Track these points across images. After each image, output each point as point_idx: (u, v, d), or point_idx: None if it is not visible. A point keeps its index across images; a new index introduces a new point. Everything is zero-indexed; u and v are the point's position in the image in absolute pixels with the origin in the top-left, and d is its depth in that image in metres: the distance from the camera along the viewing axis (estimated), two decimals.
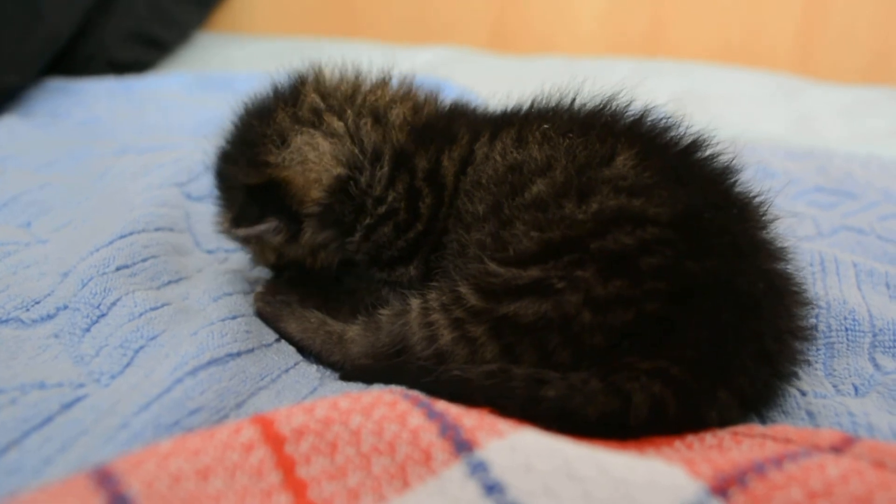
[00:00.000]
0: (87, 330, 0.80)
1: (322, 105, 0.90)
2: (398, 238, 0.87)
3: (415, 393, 0.65)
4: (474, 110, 0.96)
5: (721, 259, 0.69)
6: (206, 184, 1.23)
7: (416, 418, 0.56)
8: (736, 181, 0.79)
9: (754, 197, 0.79)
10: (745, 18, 2.57)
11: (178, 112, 1.77)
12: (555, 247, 0.71)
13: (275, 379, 0.77)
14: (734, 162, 0.80)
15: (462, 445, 0.53)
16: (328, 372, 0.83)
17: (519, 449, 0.52)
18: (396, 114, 0.90)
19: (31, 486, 0.55)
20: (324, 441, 0.55)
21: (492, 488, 0.50)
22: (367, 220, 0.87)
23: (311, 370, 0.81)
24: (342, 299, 0.92)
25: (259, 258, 0.97)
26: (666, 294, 0.67)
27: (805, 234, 1.24)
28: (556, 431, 0.62)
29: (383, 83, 0.96)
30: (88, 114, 1.77)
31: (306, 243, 0.91)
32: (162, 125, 1.70)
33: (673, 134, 0.80)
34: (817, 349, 0.86)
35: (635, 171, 0.74)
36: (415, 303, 0.77)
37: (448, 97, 0.99)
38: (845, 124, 2.05)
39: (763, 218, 0.78)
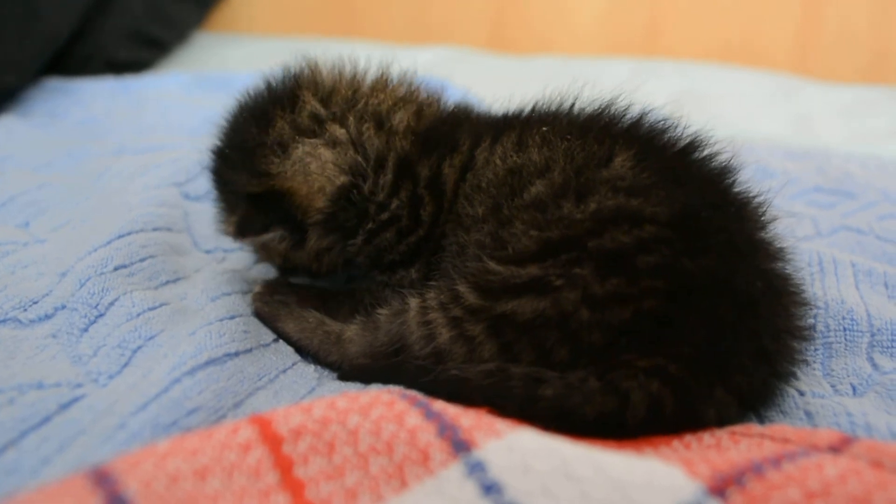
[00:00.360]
0: (85, 330, 0.80)
1: (322, 112, 0.89)
2: (400, 242, 0.87)
3: (413, 392, 0.65)
4: (477, 114, 0.96)
5: (718, 258, 0.69)
6: (205, 184, 1.22)
7: (414, 418, 0.56)
8: (734, 181, 0.79)
9: (753, 197, 0.79)
10: (744, 19, 2.57)
11: (177, 112, 1.77)
12: (553, 245, 0.71)
13: (273, 379, 0.77)
14: (732, 162, 0.80)
15: (460, 445, 0.53)
16: (326, 372, 0.83)
17: (517, 449, 0.52)
18: (400, 119, 0.90)
19: (28, 486, 0.55)
20: (321, 441, 0.55)
21: (490, 488, 0.50)
22: (370, 225, 0.87)
23: (309, 370, 0.81)
24: (340, 299, 0.92)
25: (264, 258, 0.97)
26: (663, 292, 0.67)
27: (804, 233, 1.24)
28: (555, 431, 0.63)
29: (384, 83, 0.95)
30: (87, 114, 1.77)
31: (311, 249, 0.91)
32: (160, 125, 1.70)
33: (671, 135, 0.81)
34: (815, 349, 0.86)
35: (633, 171, 0.74)
36: (413, 302, 0.77)
37: (450, 98, 0.99)
38: (844, 124, 2.05)
39: (762, 218, 0.78)
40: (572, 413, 0.65)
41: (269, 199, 0.88)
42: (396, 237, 0.87)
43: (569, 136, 0.80)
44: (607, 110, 0.84)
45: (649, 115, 0.83)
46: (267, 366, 0.78)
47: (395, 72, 0.97)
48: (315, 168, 0.87)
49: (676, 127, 0.81)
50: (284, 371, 0.79)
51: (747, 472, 0.51)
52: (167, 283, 0.94)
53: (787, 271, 0.76)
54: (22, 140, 1.52)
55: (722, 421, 0.68)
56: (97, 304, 0.83)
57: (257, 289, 0.92)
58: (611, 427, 0.65)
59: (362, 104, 0.91)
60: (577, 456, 0.51)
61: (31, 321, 0.82)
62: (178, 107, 1.81)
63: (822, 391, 0.79)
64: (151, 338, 0.79)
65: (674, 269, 0.68)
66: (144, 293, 0.87)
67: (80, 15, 2.00)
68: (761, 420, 0.74)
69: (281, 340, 0.86)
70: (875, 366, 0.84)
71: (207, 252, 1.08)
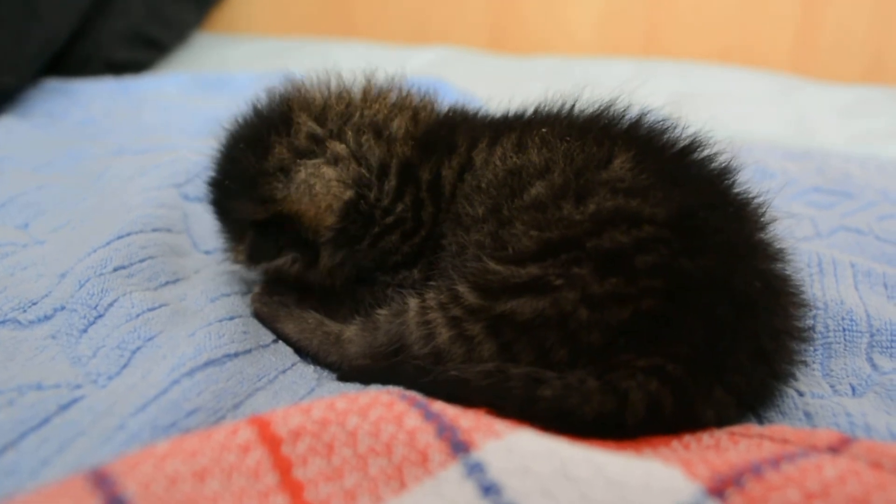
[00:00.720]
0: (85, 331, 0.80)
1: (319, 131, 0.89)
2: (403, 244, 0.88)
3: (412, 393, 0.65)
4: (473, 115, 0.96)
5: (717, 257, 0.69)
6: (204, 185, 1.23)
7: (413, 419, 0.56)
8: (733, 182, 0.79)
9: (752, 197, 0.79)
10: (744, 20, 2.57)
11: (176, 113, 1.77)
12: (553, 246, 0.72)
13: (272, 380, 0.77)
14: (732, 163, 0.80)
15: (459, 446, 0.53)
16: (325, 373, 0.83)
17: (516, 450, 0.52)
18: (398, 125, 0.90)
19: (27, 487, 0.55)
20: (320, 442, 0.55)
21: (488, 489, 0.50)
22: (375, 229, 0.88)
23: (309, 371, 0.81)
24: (339, 300, 0.92)
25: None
26: (662, 292, 0.68)
27: (803, 234, 1.24)
28: (554, 431, 0.63)
29: (373, 91, 0.95)
30: (86, 114, 1.77)
31: (324, 267, 0.90)
32: (159, 126, 1.70)
33: (670, 136, 0.81)
34: (815, 349, 0.87)
35: (632, 173, 0.75)
36: (412, 302, 0.77)
37: (444, 101, 0.99)
38: (844, 125, 2.05)
39: (761, 219, 0.78)
40: (571, 413, 0.65)
41: (276, 223, 0.88)
42: (401, 239, 0.87)
43: (568, 138, 0.80)
44: (606, 112, 0.85)
45: (648, 116, 0.83)
46: (266, 367, 0.78)
47: (380, 78, 0.97)
48: (320, 188, 0.86)
49: (675, 128, 0.81)
50: (284, 372, 0.79)
51: (746, 473, 0.51)
52: (166, 284, 0.94)
53: (787, 272, 0.76)
54: (21, 141, 1.52)
55: (721, 421, 0.68)
56: (96, 305, 0.83)
57: (256, 290, 0.92)
58: (610, 427, 0.66)
59: (357, 116, 0.91)
60: (576, 457, 0.51)
61: (31, 322, 0.82)
62: (178, 107, 1.81)
63: (822, 391, 0.79)
64: (151, 339, 0.79)
65: (672, 269, 0.68)
66: (144, 294, 0.87)
67: (79, 16, 2.00)
68: (760, 420, 0.74)
69: (280, 341, 0.86)
70: (874, 366, 0.84)
71: (207, 253, 1.08)
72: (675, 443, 0.65)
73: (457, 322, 0.73)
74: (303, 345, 0.85)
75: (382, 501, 0.52)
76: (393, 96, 0.95)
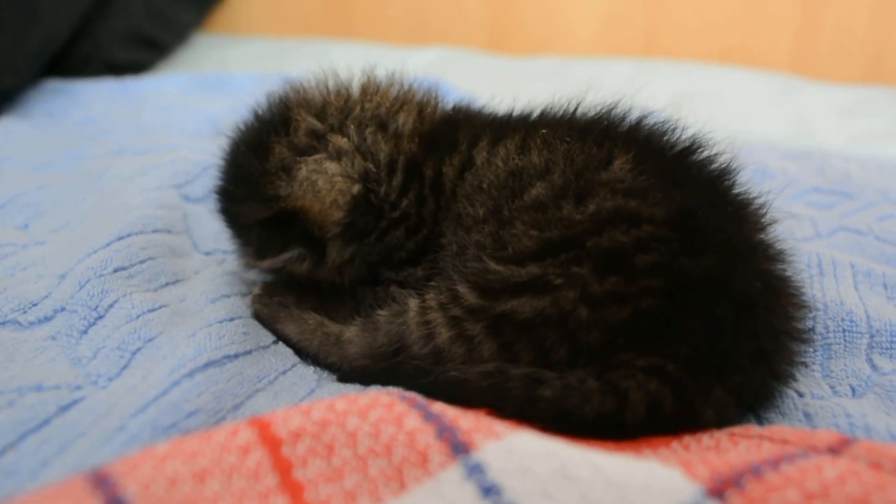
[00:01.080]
0: (85, 332, 0.80)
1: (319, 126, 0.89)
2: (408, 240, 0.88)
3: (412, 394, 0.65)
4: (477, 113, 0.97)
5: (717, 257, 0.69)
6: (204, 185, 1.23)
7: (413, 420, 0.56)
8: (733, 182, 0.79)
9: (752, 198, 0.79)
10: (743, 21, 2.56)
11: (176, 113, 1.77)
12: (553, 245, 0.72)
13: (272, 381, 0.77)
14: (732, 163, 0.80)
15: (459, 447, 0.53)
16: (325, 374, 0.83)
17: (516, 451, 0.52)
18: (404, 121, 0.90)
19: (27, 488, 0.55)
20: (321, 443, 0.55)
21: (489, 490, 0.50)
22: (383, 223, 0.88)
23: (309, 372, 0.81)
24: (339, 301, 0.92)
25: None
26: (661, 291, 0.68)
27: (803, 234, 1.24)
28: (554, 431, 0.63)
29: (372, 87, 0.95)
30: (86, 115, 1.77)
31: (333, 264, 0.90)
32: (159, 126, 1.70)
33: (670, 137, 0.81)
34: (814, 350, 0.86)
35: (632, 174, 0.75)
36: (413, 303, 0.78)
37: (448, 97, 0.99)
38: (844, 125, 2.05)
39: (761, 219, 0.78)
40: (571, 413, 0.65)
41: (282, 220, 0.88)
42: (405, 235, 0.88)
43: (568, 139, 0.80)
44: (607, 113, 0.85)
45: (648, 117, 0.83)
46: (266, 368, 0.78)
47: (380, 74, 0.97)
48: (323, 183, 0.87)
49: (675, 129, 0.81)
50: (284, 373, 0.79)
51: (746, 474, 0.51)
52: (166, 284, 0.94)
53: (787, 273, 0.76)
54: (21, 141, 1.52)
55: (721, 421, 0.68)
56: (96, 306, 0.83)
57: (256, 291, 0.92)
58: (610, 427, 0.66)
59: (358, 110, 0.91)
60: (576, 458, 0.51)
61: (31, 323, 0.82)
62: (178, 108, 1.81)
63: (822, 392, 0.79)
64: (151, 340, 0.79)
65: (672, 269, 0.68)
66: (144, 295, 0.87)
67: (79, 16, 2.00)
68: (760, 421, 0.74)
69: (280, 342, 0.86)
70: (874, 367, 0.84)
71: (207, 254, 1.08)
72: (674, 443, 0.65)
73: (457, 322, 0.73)
74: (303, 346, 0.85)
75: (382, 502, 0.52)
76: (394, 91, 0.95)
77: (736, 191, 0.79)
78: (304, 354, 0.85)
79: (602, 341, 0.68)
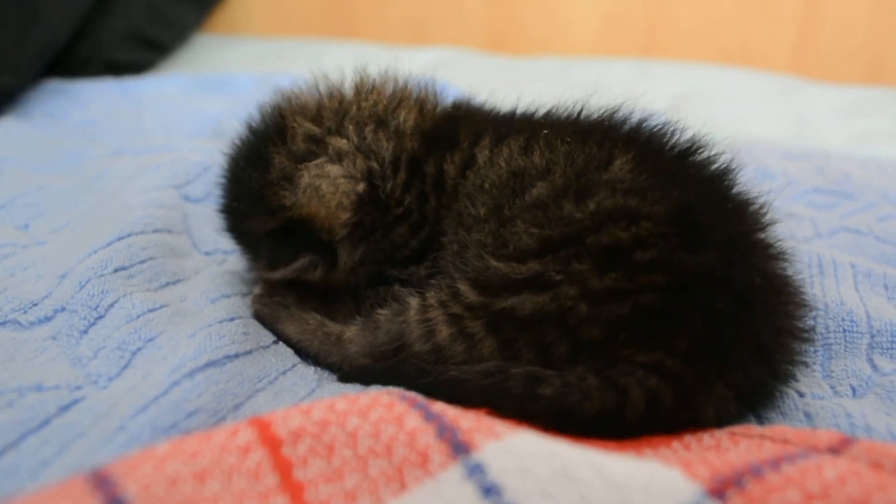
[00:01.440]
0: (85, 332, 0.80)
1: (317, 130, 0.89)
2: (412, 238, 0.88)
3: (412, 394, 0.65)
4: (478, 109, 0.97)
5: (716, 253, 0.69)
6: (204, 186, 1.23)
7: (414, 420, 0.56)
8: (733, 182, 0.79)
9: (752, 198, 0.79)
10: (744, 22, 2.56)
11: (176, 113, 1.77)
12: (554, 242, 0.72)
13: (272, 381, 0.77)
14: (731, 163, 0.80)
15: (459, 447, 0.53)
16: (326, 373, 0.83)
17: (516, 451, 0.52)
18: (405, 118, 0.90)
19: (27, 488, 0.55)
20: (321, 443, 0.55)
21: (489, 490, 0.50)
22: (388, 219, 0.88)
23: (309, 372, 0.81)
24: (340, 301, 0.92)
25: None
26: (661, 287, 0.68)
27: (803, 235, 1.24)
28: (555, 430, 0.63)
29: (370, 86, 0.95)
30: (86, 115, 1.77)
31: (345, 266, 0.90)
32: (160, 127, 1.70)
33: (670, 138, 0.81)
34: (815, 350, 0.86)
35: (632, 174, 0.75)
36: (413, 301, 0.78)
37: (448, 95, 0.99)
38: (844, 125, 2.05)
39: (761, 219, 0.78)
40: (572, 411, 0.65)
41: (290, 230, 0.88)
42: (409, 232, 0.88)
43: (569, 140, 0.81)
44: (608, 115, 0.85)
45: (649, 118, 0.83)
46: (267, 368, 0.78)
47: (373, 73, 0.96)
48: (327, 188, 0.87)
49: (675, 131, 0.82)
50: (284, 373, 0.79)
51: (746, 474, 0.51)
52: (167, 284, 0.94)
53: (787, 272, 0.76)
54: (21, 141, 1.52)
55: (721, 418, 0.68)
56: (97, 306, 0.83)
57: (257, 291, 0.92)
58: (610, 424, 0.66)
59: (354, 110, 0.91)
60: (577, 458, 0.51)
61: (31, 323, 0.82)
62: (178, 108, 1.81)
63: (822, 392, 0.79)
64: (151, 340, 0.79)
65: (671, 265, 0.68)
66: (144, 295, 0.87)
67: (79, 16, 2.00)
68: (761, 421, 0.74)
69: (280, 342, 0.86)
70: (875, 367, 0.84)
71: (207, 254, 1.08)
72: (675, 443, 0.65)
73: (457, 319, 0.73)
74: (303, 346, 0.85)
75: (383, 502, 0.52)
76: (388, 88, 0.95)
77: (735, 190, 0.79)
78: (305, 354, 0.85)
79: (602, 337, 0.68)
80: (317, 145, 0.89)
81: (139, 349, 0.78)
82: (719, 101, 2.13)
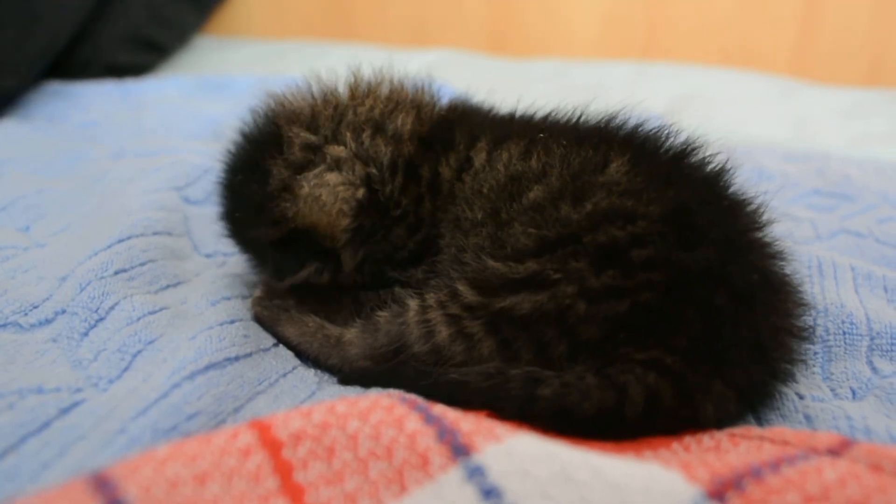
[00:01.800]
0: (86, 334, 0.80)
1: (313, 139, 0.89)
2: (409, 239, 0.88)
3: (412, 397, 0.65)
4: (474, 110, 0.97)
5: (713, 250, 0.70)
6: (204, 188, 1.23)
7: (414, 422, 0.56)
8: (729, 183, 0.80)
9: (749, 198, 0.79)
10: (743, 23, 2.56)
11: (177, 115, 1.77)
12: (551, 243, 0.72)
13: (273, 383, 0.77)
14: (728, 165, 0.80)
15: (459, 450, 0.53)
16: (326, 376, 0.83)
17: (516, 453, 0.52)
18: (402, 122, 0.90)
19: (28, 491, 0.55)
20: (321, 446, 0.55)
21: (489, 493, 0.50)
22: (386, 221, 0.89)
23: (309, 374, 0.81)
24: (339, 303, 0.92)
25: None
26: (659, 284, 0.68)
27: (803, 237, 1.24)
28: (555, 430, 0.63)
29: (365, 88, 0.94)
30: (86, 117, 1.77)
31: (350, 269, 0.91)
32: (160, 129, 1.70)
33: (665, 140, 0.81)
34: (815, 352, 0.86)
35: (628, 176, 0.75)
36: (412, 303, 0.78)
37: (445, 95, 0.99)
38: (843, 127, 2.05)
39: (758, 219, 0.78)
40: (571, 410, 0.66)
41: (293, 239, 0.88)
42: (406, 234, 0.88)
43: (565, 143, 0.81)
44: (605, 119, 0.86)
45: (646, 121, 0.84)
46: (267, 370, 0.78)
47: (367, 74, 0.96)
48: (327, 196, 0.87)
49: (671, 132, 0.82)
50: (284, 375, 0.79)
51: (746, 476, 0.51)
52: (167, 287, 0.94)
53: (785, 271, 0.77)
54: (22, 144, 1.52)
55: (720, 416, 0.68)
56: (97, 309, 0.83)
57: (257, 293, 0.92)
58: (610, 422, 0.66)
59: (351, 115, 0.91)
60: (576, 460, 0.51)
61: (32, 326, 0.82)
62: (178, 110, 1.81)
63: (822, 395, 0.79)
64: (151, 342, 0.79)
65: (668, 262, 0.69)
66: (144, 297, 0.87)
67: (80, 19, 2.01)
68: (760, 423, 0.74)
69: (281, 345, 0.86)
70: (874, 369, 0.84)
71: (207, 256, 1.08)
72: (675, 445, 0.65)
73: (456, 320, 0.73)
74: (303, 348, 0.85)
75: None
76: (384, 90, 0.95)
77: (732, 191, 0.79)
78: (305, 357, 0.85)
79: (601, 336, 0.68)
80: (314, 154, 0.89)
81: (139, 351, 0.78)
82: (719, 103, 2.14)
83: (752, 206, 0.79)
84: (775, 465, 0.52)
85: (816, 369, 0.85)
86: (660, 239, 0.69)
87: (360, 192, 0.88)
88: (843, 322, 0.89)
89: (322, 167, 0.88)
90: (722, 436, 0.66)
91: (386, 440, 0.55)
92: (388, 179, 0.88)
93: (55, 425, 0.64)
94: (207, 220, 1.10)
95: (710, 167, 0.80)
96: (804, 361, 0.80)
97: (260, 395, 0.74)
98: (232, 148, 0.94)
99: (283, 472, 0.54)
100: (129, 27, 2.24)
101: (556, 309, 0.69)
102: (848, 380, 0.82)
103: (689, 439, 0.66)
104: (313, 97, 0.94)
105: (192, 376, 0.70)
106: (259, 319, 0.88)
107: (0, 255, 0.98)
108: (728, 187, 0.79)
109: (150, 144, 1.51)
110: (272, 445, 0.55)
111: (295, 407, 0.70)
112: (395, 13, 2.82)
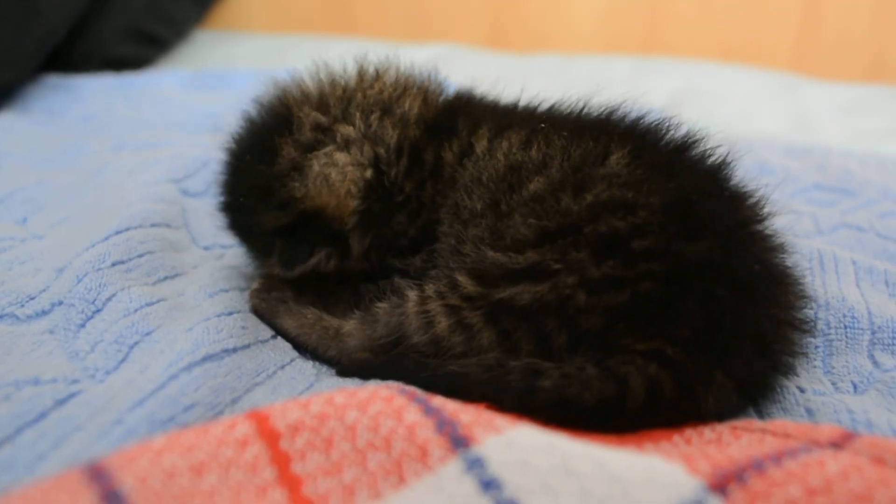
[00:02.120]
0: (82, 325, 0.80)
1: (324, 119, 0.89)
2: (410, 225, 0.88)
3: (411, 388, 0.64)
4: (479, 100, 0.97)
5: (715, 240, 0.69)
6: (203, 180, 1.23)
7: (413, 414, 0.56)
8: (730, 176, 0.79)
9: (750, 191, 0.79)
10: (745, 19, 2.56)
11: (175, 109, 1.77)
12: (551, 233, 0.72)
13: (270, 375, 0.76)
14: (729, 159, 0.80)
15: (459, 441, 0.53)
16: (324, 368, 0.82)
17: (516, 445, 0.52)
18: (409, 106, 0.90)
19: (24, 482, 0.55)
20: (319, 437, 0.55)
21: (489, 484, 0.50)
22: (391, 206, 0.88)
23: (308, 366, 0.81)
24: (338, 295, 0.92)
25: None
26: (659, 275, 0.68)
27: (804, 231, 1.24)
28: (555, 422, 0.63)
29: (373, 74, 0.95)
30: (85, 110, 1.77)
31: (358, 253, 0.90)
32: (159, 122, 1.70)
33: (666, 133, 0.81)
34: (816, 346, 0.86)
35: (628, 168, 0.75)
36: (412, 294, 0.78)
37: (449, 84, 0.99)
38: (844, 122, 2.05)
39: (759, 211, 0.78)
40: (572, 402, 0.65)
41: (301, 224, 0.87)
42: (407, 220, 0.88)
43: (566, 135, 0.81)
44: (606, 111, 0.86)
45: (646, 114, 0.84)
46: (265, 362, 0.78)
47: (372, 61, 0.96)
48: (336, 176, 0.86)
49: (672, 125, 0.82)
50: (282, 367, 0.79)
51: (748, 469, 0.50)
52: (165, 279, 0.93)
53: (786, 263, 0.76)
54: (20, 136, 1.51)
55: (721, 408, 0.68)
56: (94, 300, 0.83)
57: (255, 285, 0.91)
58: (611, 413, 0.65)
59: (360, 97, 0.91)
60: (577, 452, 0.51)
61: (28, 317, 0.82)
62: (177, 104, 1.81)
63: (823, 388, 0.78)
64: (148, 334, 0.79)
65: (669, 253, 0.68)
66: (142, 289, 0.86)
67: (79, 12, 2.00)
68: (761, 416, 0.74)
69: (279, 337, 0.85)
70: (876, 363, 0.84)
71: (205, 248, 1.07)
72: (676, 437, 0.65)
73: (455, 310, 0.73)
74: (302, 340, 0.84)
75: (381, 496, 0.51)
76: (391, 76, 0.95)
77: (732, 183, 0.79)
78: (303, 349, 0.84)
79: (601, 326, 0.68)
80: (324, 134, 0.88)
81: (137, 343, 0.77)
82: (720, 99, 2.13)
83: (754, 199, 0.79)
84: (777, 458, 0.52)
85: (818, 363, 0.84)
86: (660, 229, 0.69)
87: (369, 173, 0.87)
88: (844, 316, 0.89)
89: (332, 146, 0.88)
90: (724, 428, 0.66)
91: (385, 431, 0.55)
92: (394, 162, 0.88)
93: (51, 416, 0.64)
94: (206, 213, 1.10)
95: (710, 160, 0.80)
96: (805, 354, 0.80)
97: (258, 386, 0.74)
98: (238, 133, 0.93)
99: (281, 462, 0.53)
100: (129, 21, 2.23)
101: (557, 299, 0.68)
102: (849, 374, 0.82)
103: (690, 431, 0.66)
104: (322, 81, 0.94)
105: (189, 368, 0.69)
106: (257, 311, 0.88)
107: None
108: (729, 180, 0.79)
109: (148, 137, 1.51)
110: (270, 436, 0.55)
111: (293, 398, 0.69)
112: (396, 7, 2.81)
